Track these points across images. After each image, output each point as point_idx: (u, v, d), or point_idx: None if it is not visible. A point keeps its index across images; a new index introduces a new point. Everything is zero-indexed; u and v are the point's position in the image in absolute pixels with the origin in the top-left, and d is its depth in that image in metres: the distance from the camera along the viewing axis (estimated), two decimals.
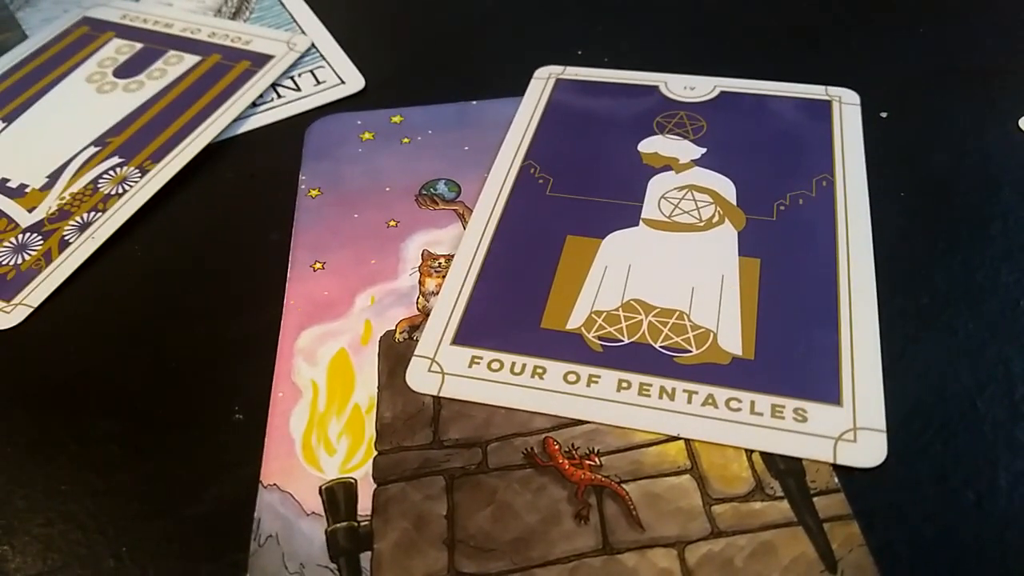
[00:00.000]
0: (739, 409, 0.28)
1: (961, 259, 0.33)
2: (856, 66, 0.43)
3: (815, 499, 0.26)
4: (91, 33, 0.50)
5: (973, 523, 0.26)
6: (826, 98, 0.41)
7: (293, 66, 0.46)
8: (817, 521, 0.26)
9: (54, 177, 0.40)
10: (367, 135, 0.41)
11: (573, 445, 0.28)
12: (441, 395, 0.30)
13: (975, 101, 0.40)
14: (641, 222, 0.35)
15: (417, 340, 0.32)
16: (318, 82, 0.46)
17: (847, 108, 0.40)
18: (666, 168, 0.38)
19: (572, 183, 0.37)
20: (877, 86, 0.41)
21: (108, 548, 0.27)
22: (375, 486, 0.28)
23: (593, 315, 0.32)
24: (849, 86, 0.41)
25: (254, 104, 0.44)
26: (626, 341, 0.31)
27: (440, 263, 0.35)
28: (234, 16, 0.51)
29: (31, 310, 0.35)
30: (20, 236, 0.38)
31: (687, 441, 0.28)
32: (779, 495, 0.26)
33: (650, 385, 0.29)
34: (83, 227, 0.38)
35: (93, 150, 0.42)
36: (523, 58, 0.45)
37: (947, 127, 0.39)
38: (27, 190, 0.40)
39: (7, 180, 0.41)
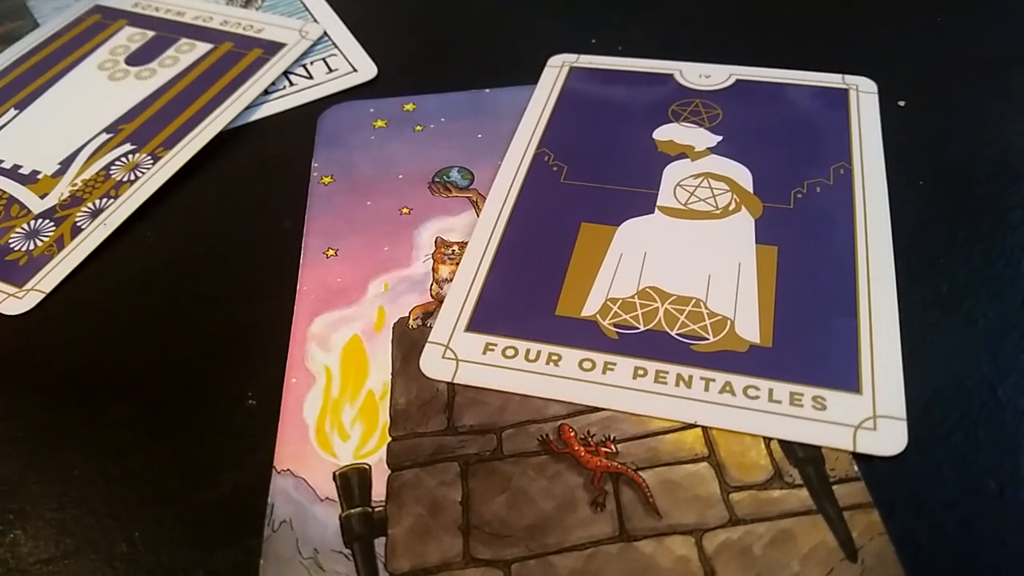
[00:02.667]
0: (757, 397, 0.28)
1: (981, 248, 0.33)
2: (873, 55, 0.42)
3: (835, 487, 0.26)
4: (103, 21, 0.50)
5: (995, 512, 0.25)
6: (843, 86, 0.40)
7: (305, 54, 0.46)
8: (837, 509, 0.25)
9: (66, 164, 0.40)
10: (380, 123, 0.41)
11: (589, 432, 0.28)
12: (455, 381, 0.30)
13: (993, 90, 0.40)
14: (657, 209, 0.35)
15: (430, 327, 0.32)
16: (330, 70, 0.45)
17: (864, 96, 0.40)
18: (682, 156, 0.38)
19: (587, 171, 0.37)
20: (894, 75, 0.41)
21: (121, 533, 0.27)
22: (389, 472, 0.28)
23: (608, 302, 0.32)
24: (866, 75, 0.41)
25: (266, 92, 0.44)
26: (642, 328, 0.31)
27: (454, 250, 0.34)
28: (246, 4, 0.51)
29: (43, 296, 0.35)
30: (32, 222, 0.38)
31: (704, 429, 0.28)
32: (798, 483, 0.26)
33: (667, 372, 0.29)
34: (95, 213, 0.38)
35: (105, 137, 0.42)
36: (537, 46, 0.45)
37: (965, 116, 0.39)
38: (39, 177, 0.40)
39: (20, 167, 0.41)
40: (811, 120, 0.39)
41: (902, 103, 0.39)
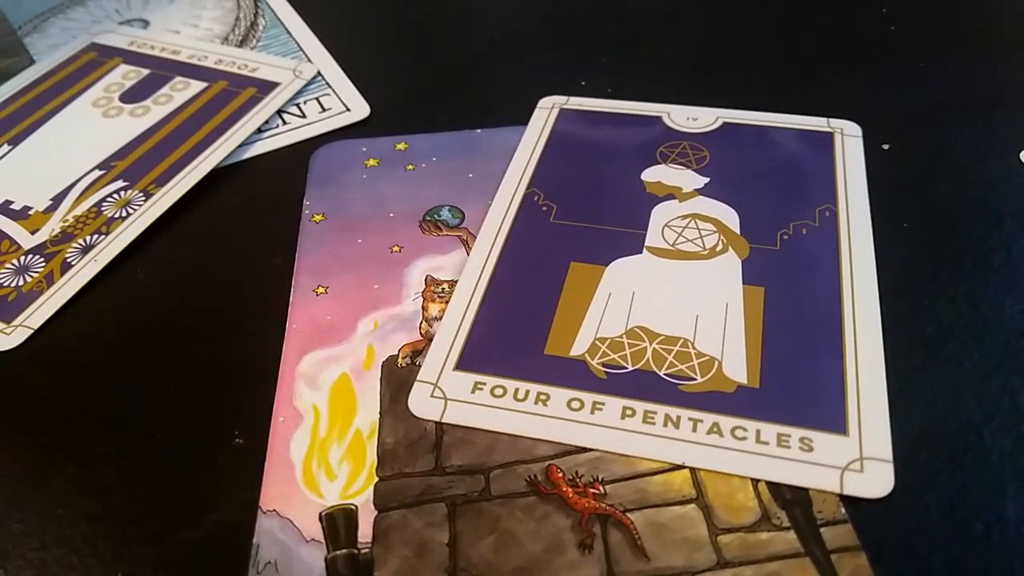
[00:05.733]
0: (745, 438, 0.28)
1: (965, 290, 0.33)
2: (858, 99, 0.43)
3: (822, 530, 0.26)
4: (98, 59, 0.51)
5: (982, 554, 0.25)
6: (828, 130, 0.41)
7: (299, 93, 0.47)
8: (824, 552, 0.25)
9: (58, 200, 0.40)
10: (371, 162, 0.42)
11: (577, 473, 0.28)
12: (443, 421, 0.30)
13: (976, 134, 0.41)
14: (645, 250, 0.35)
15: (419, 365, 0.32)
16: (323, 109, 0.46)
17: (849, 140, 0.40)
18: (670, 197, 0.38)
19: (576, 211, 0.37)
20: (878, 118, 0.41)
21: (104, 573, 0.27)
22: (376, 513, 0.27)
23: (597, 342, 0.32)
24: (850, 118, 0.41)
25: (259, 130, 0.44)
26: (630, 368, 0.31)
27: (443, 288, 0.34)
28: (241, 44, 0.52)
29: (31, 332, 0.35)
30: (22, 258, 0.38)
31: (692, 470, 0.28)
32: (786, 525, 0.26)
33: (655, 413, 0.29)
34: (85, 249, 0.38)
35: (98, 173, 0.42)
36: (527, 88, 0.45)
37: (948, 159, 0.39)
38: (31, 212, 0.40)
39: (11, 202, 0.41)
40: (797, 163, 0.39)
41: (886, 146, 0.40)
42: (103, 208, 0.40)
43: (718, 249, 0.35)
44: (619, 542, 0.26)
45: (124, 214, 0.39)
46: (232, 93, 0.47)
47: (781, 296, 0.33)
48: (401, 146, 0.42)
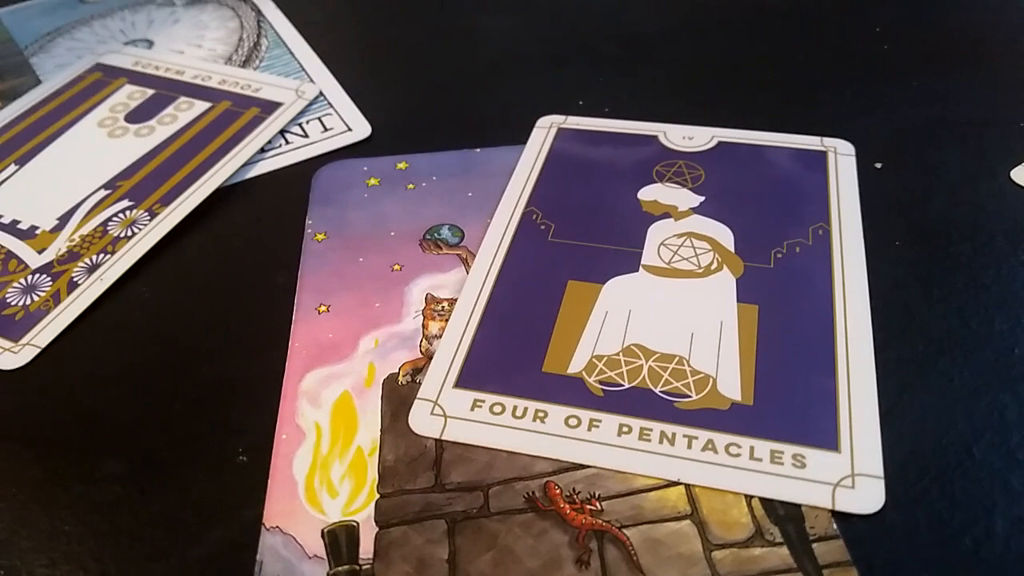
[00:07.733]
0: (738, 455, 0.29)
1: (956, 307, 0.34)
2: (850, 118, 0.44)
3: (814, 545, 0.26)
4: (104, 79, 0.51)
5: (971, 570, 0.26)
6: (821, 149, 0.42)
7: (301, 113, 0.48)
8: (816, 568, 0.26)
9: (64, 219, 0.41)
10: (373, 181, 0.42)
11: (574, 489, 0.28)
12: (443, 438, 0.30)
13: (967, 153, 0.41)
14: (641, 268, 0.36)
15: (420, 383, 0.32)
16: (326, 129, 0.47)
17: (842, 159, 0.41)
18: (665, 215, 0.39)
19: (573, 229, 0.38)
20: (871, 138, 0.42)
21: None
22: (377, 529, 0.28)
23: (594, 359, 0.32)
24: (844, 137, 0.42)
25: (263, 150, 0.45)
26: (627, 386, 0.31)
27: (443, 307, 0.35)
28: (244, 64, 0.52)
29: (39, 350, 0.35)
30: (29, 277, 0.38)
31: (687, 486, 0.28)
32: (779, 541, 0.27)
33: (650, 430, 0.30)
34: (92, 269, 0.38)
35: (103, 193, 0.42)
36: (525, 108, 0.46)
37: (940, 178, 0.40)
38: (37, 232, 0.41)
39: (18, 222, 0.41)
40: (791, 181, 0.40)
41: (879, 165, 0.41)
42: (109, 227, 0.40)
43: (713, 267, 0.36)
44: (615, 558, 0.27)
45: (130, 233, 0.40)
46: (235, 113, 0.47)
47: (775, 314, 0.33)
48: (402, 165, 0.43)
